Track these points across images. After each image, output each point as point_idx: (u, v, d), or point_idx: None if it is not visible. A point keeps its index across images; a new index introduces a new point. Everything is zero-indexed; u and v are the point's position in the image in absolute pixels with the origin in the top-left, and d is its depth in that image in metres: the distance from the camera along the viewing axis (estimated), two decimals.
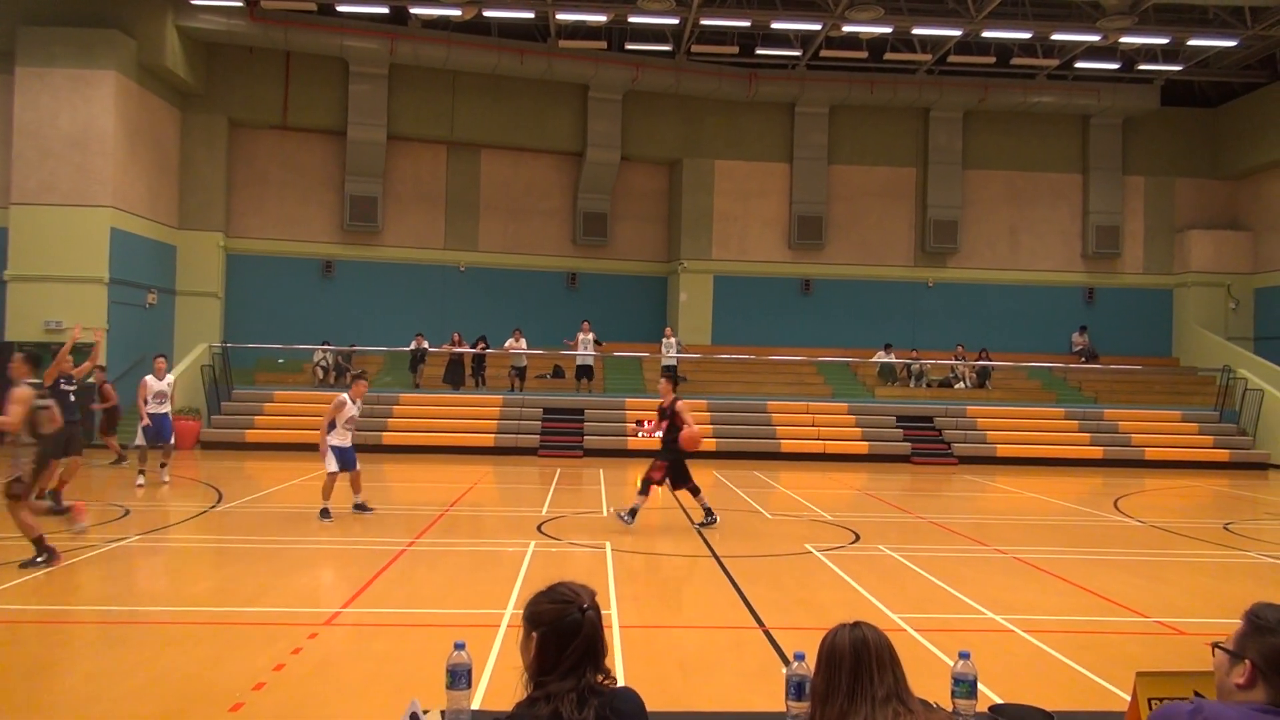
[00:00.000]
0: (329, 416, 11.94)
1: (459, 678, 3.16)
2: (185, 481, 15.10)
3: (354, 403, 12.11)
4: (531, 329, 25.12)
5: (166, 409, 14.84)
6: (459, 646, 3.17)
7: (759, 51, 26.34)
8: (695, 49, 26.31)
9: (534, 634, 2.65)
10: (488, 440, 21.74)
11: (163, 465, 14.81)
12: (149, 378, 14.88)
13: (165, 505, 13.32)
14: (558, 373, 25.51)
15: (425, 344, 24.49)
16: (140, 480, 14.28)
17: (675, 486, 12.00)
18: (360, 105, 25.82)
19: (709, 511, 11.78)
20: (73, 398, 12.02)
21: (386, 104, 26.05)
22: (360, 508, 12.10)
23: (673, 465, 11.83)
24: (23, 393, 8.64)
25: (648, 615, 7.54)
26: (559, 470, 18.43)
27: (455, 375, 24.16)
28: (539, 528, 11.52)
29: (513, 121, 27.24)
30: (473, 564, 9.61)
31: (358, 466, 12.15)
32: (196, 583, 8.90)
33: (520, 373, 24.39)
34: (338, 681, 5.86)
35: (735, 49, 26.09)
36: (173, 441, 15.11)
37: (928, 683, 2.85)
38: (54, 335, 21.15)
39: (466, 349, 24.44)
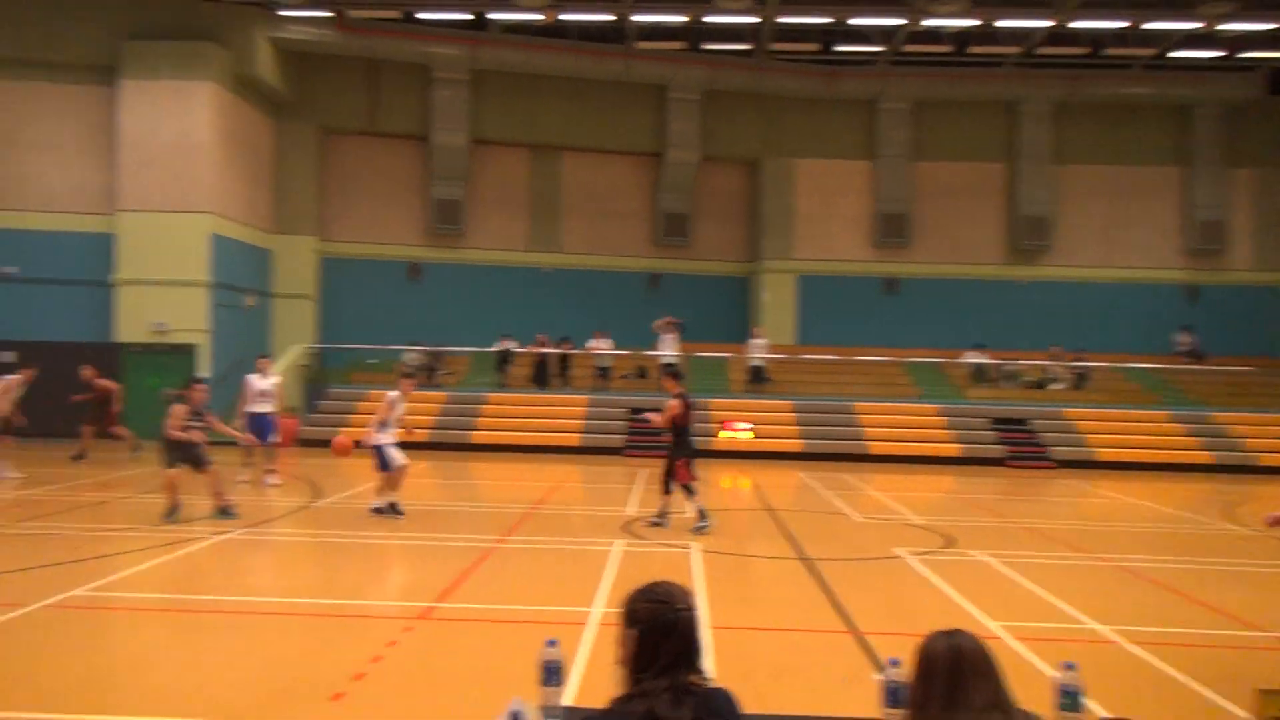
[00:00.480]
0: (382, 415, 11.90)
1: (553, 674, 3.20)
2: (284, 478, 15.53)
3: (403, 400, 12.21)
4: (614, 330, 25.26)
5: (270, 408, 14.83)
6: (551, 643, 3.20)
7: (839, 48, 25.99)
8: (774, 47, 26.10)
9: (631, 631, 2.66)
10: (573, 440, 21.92)
11: (268, 468, 15.03)
12: (252, 376, 15.02)
13: (267, 500, 13.76)
14: (641, 373, 25.59)
15: (512, 345, 24.83)
16: (243, 476, 14.64)
17: (665, 481, 11.67)
18: (443, 110, 26.30)
19: (664, 515, 11.50)
20: None
21: (469, 108, 26.48)
22: (393, 508, 11.87)
23: (682, 461, 11.53)
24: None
25: (736, 616, 7.51)
26: (644, 470, 18.48)
27: (541, 375, 24.47)
28: (625, 527, 11.57)
29: (593, 123, 27.44)
30: (560, 562, 9.70)
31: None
32: (297, 575, 9.18)
33: (604, 373, 24.55)
34: (433, 674, 5.98)
35: (815, 46, 25.79)
36: (277, 439, 15.14)
37: (1028, 694, 2.78)
38: (159, 337, 22.08)
39: (551, 349, 24.70)
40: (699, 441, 21.65)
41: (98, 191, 22.62)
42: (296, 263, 26.21)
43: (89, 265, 22.32)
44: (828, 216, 28.02)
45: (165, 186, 22.16)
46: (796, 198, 27.92)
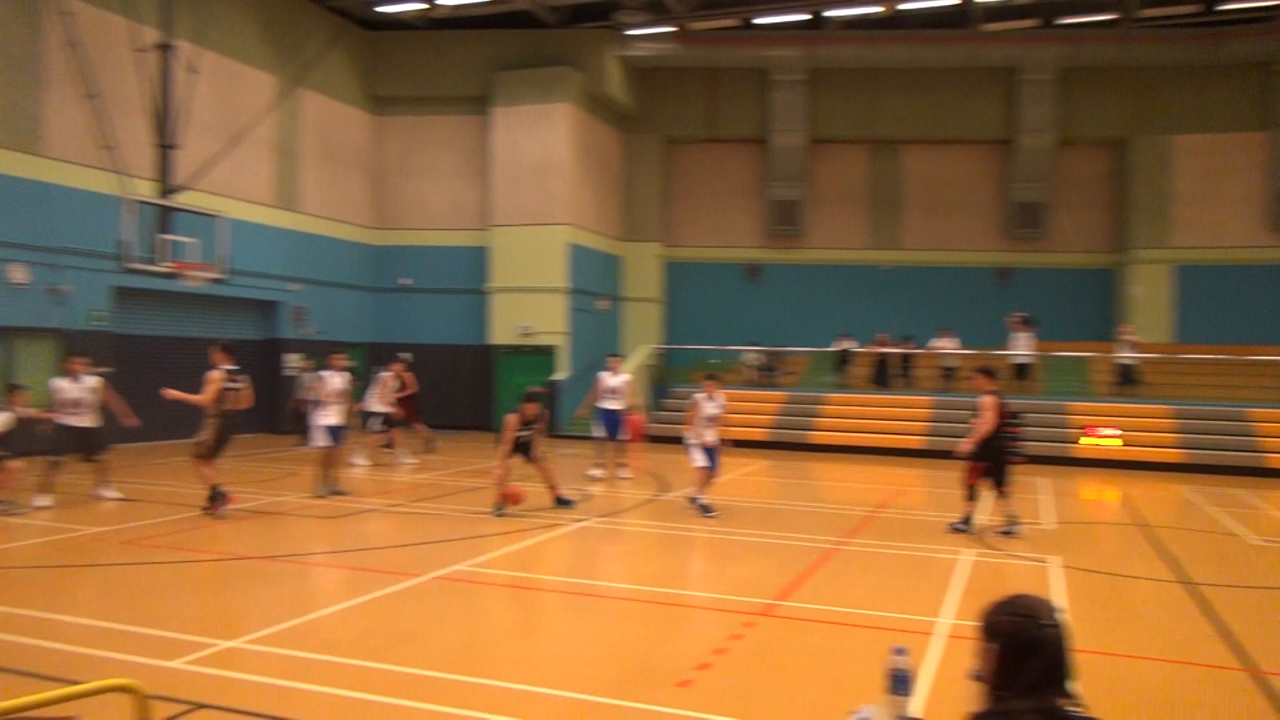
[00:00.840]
0: (693, 415, 12.33)
1: (901, 682, 3.07)
2: (634, 472, 16.37)
3: (712, 400, 12.36)
4: (960, 328, 24.06)
5: (619, 405, 15.46)
6: (900, 651, 3.07)
7: (1225, 6, 22.85)
8: (1144, 14, 23.49)
9: (991, 646, 2.47)
10: (917, 442, 21.14)
11: (619, 461, 15.88)
12: (604, 373, 15.79)
13: (619, 493, 14.60)
14: (989, 373, 24.14)
15: (851, 344, 24.47)
16: (596, 472, 15.54)
17: (996, 486, 11.07)
18: (781, 112, 26.48)
19: (1013, 523, 10.86)
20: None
21: (806, 108, 26.45)
22: (692, 501, 12.17)
23: (993, 464, 11.00)
24: (214, 375, 11.03)
25: (1106, 640, 6.81)
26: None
27: (882, 375, 23.88)
28: (975, 536, 10.95)
29: (935, 114, 26.33)
30: (904, 568, 9.37)
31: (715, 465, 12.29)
32: (645, 564, 9.63)
33: (950, 373, 23.45)
34: (775, 671, 6.00)
35: (1194, 7, 22.88)
36: (626, 436, 15.72)
37: None
38: (525, 339, 24.24)
39: (893, 349, 24.03)
40: (1056, 448, 20.09)
41: (473, 209, 25.29)
42: (643, 268, 27.65)
43: (467, 275, 25.02)
44: (1212, 198, 24.82)
45: (529, 202, 24.29)
46: (1173, 179, 25.00)
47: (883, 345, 24.08)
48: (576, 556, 9.87)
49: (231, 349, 11.57)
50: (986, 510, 12.08)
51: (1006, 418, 11.25)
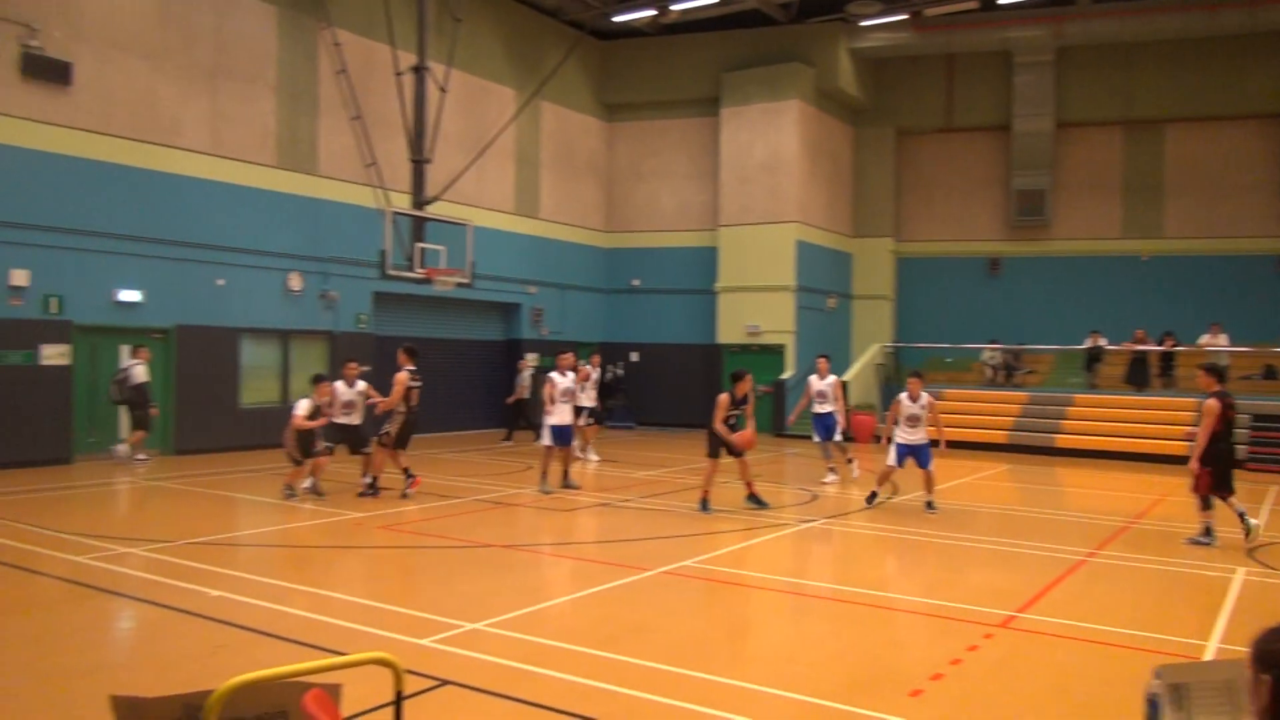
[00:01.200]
0: (895, 414, 12.42)
1: (1160, 709, 2.81)
2: (863, 473, 15.97)
3: (915, 400, 12.33)
4: (1232, 322, 21.78)
5: (828, 407, 15.08)
6: (1159, 674, 2.81)
7: None
8: None
9: (1264, 677, 2.21)
10: (1179, 448, 19.31)
11: (850, 460, 15.54)
12: (812, 377, 15.51)
13: (846, 493, 14.31)
14: (1270, 373, 21.72)
15: (1102, 341, 22.75)
16: (830, 478, 15.18)
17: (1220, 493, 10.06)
18: (1025, 96, 24.99)
19: None
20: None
21: (1054, 91, 24.81)
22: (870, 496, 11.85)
23: (1220, 470, 9.98)
24: (402, 376, 12.44)
25: None
26: (1274, 488, 15.64)
27: (1138, 375, 21.99)
28: (1250, 552, 9.89)
29: (1203, 88, 23.92)
30: (1164, 585, 8.60)
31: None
32: (874, 568, 9.38)
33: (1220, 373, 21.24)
34: (1016, 686, 5.67)
35: None
36: (838, 437, 15.26)
37: None
38: (752, 338, 24.25)
39: (1151, 346, 22.10)
40: None
41: (701, 210, 25.58)
42: (874, 264, 26.95)
43: (695, 276, 25.34)
44: None
45: (758, 201, 24.27)
46: None
47: (1140, 342, 22.20)
48: (804, 557, 9.77)
49: (414, 351, 13.05)
50: (1252, 521, 10.89)
51: (1229, 419, 10.09)
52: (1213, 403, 10.12)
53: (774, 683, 5.57)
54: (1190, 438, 11.85)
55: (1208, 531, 10.17)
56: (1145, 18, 23.12)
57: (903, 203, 27.22)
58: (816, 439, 15.29)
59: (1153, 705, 2.80)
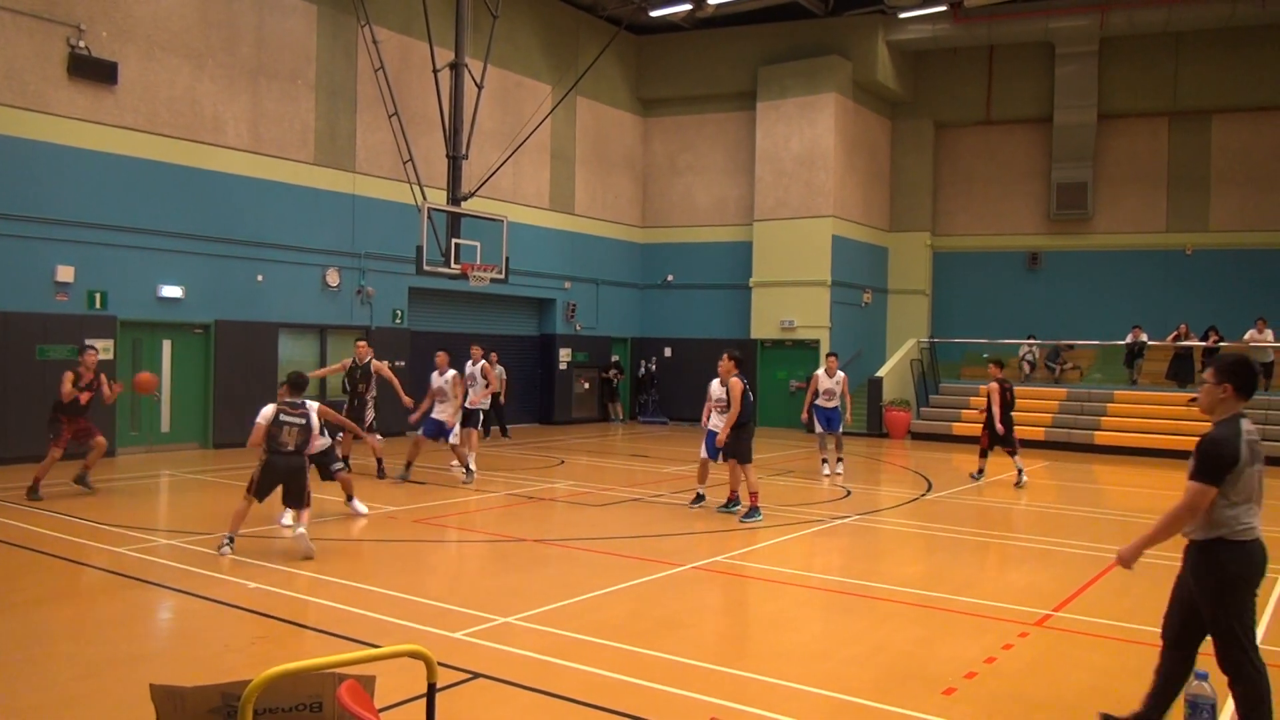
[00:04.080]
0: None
1: (1200, 710, 2.80)
2: (897, 470, 15.91)
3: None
4: (1278, 318, 21.34)
5: (834, 404, 15.08)
6: (1201, 677, 2.78)
7: None
8: None
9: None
10: None
11: (839, 459, 15.28)
12: (820, 373, 15.38)
13: (880, 490, 14.22)
14: None
15: (1144, 336, 22.38)
16: (826, 470, 15.11)
17: None
18: (1067, 87, 24.60)
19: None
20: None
21: (1097, 82, 24.41)
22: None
23: None
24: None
25: None
26: None
27: (1181, 371, 21.60)
28: None
29: (1251, 78, 23.40)
30: None
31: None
32: (908, 565, 9.32)
33: (1265, 369, 20.83)
34: (1051, 686, 5.62)
35: None
36: (839, 431, 15.17)
37: None
38: (787, 333, 24.16)
39: (1195, 342, 21.70)
40: None
41: (736, 204, 25.49)
42: (910, 258, 26.70)
43: (730, 270, 25.27)
44: None
45: (793, 195, 24.14)
46: None
47: (1183, 337, 21.82)
48: (836, 553, 9.72)
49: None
50: None
51: None
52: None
53: (805, 680, 5.56)
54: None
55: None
56: (1192, 6, 22.64)
57: (940, 196, 26.94)
58: (818, 429, 15.39)
59: (1192, 706, 2.77)
